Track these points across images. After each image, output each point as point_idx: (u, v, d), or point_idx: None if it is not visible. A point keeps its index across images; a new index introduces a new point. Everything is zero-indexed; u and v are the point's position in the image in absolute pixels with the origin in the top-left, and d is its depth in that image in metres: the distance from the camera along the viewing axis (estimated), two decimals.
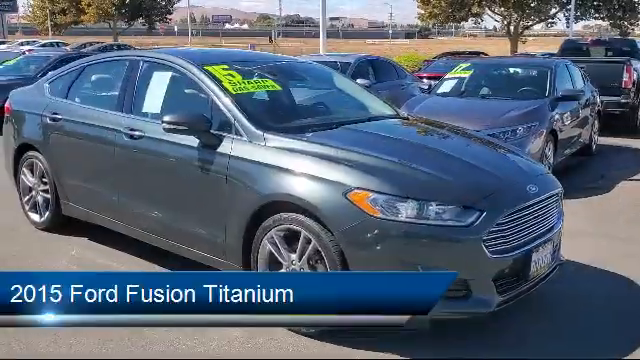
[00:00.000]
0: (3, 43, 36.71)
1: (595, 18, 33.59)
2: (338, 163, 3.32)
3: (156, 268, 4.41)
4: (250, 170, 3.58)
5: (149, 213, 4.20)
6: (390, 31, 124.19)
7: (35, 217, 5.36)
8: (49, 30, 47.26)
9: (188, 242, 4.00)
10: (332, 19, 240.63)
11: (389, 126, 4.27)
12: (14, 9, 47.65)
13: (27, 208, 5.45)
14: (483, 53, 29.37)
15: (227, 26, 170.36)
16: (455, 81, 8.22)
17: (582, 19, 34.34)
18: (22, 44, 39.52)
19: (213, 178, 3.74)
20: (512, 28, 34.87)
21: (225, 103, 3.85)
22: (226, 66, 4.23)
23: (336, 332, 3.27)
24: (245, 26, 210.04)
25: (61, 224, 5.22)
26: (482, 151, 4.07)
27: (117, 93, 4.61)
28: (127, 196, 4.35)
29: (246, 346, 3.38)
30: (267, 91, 4.28)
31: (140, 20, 49.53)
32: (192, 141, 3.82)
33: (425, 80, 13.54)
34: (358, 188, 3.16)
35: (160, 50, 4.79)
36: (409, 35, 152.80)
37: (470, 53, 27.72)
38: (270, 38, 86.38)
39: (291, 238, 3.43)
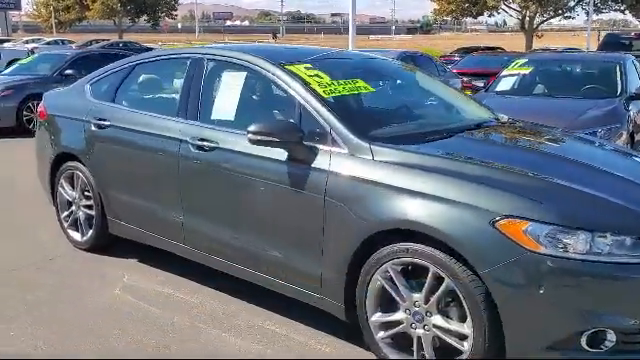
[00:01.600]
0: (8, 41, 36.06)
1: (615, 10, 32.82)
2: (476, 182, 2.70)
3: (224, 297, 3.83)
4: (356, 190, 2.97)
5: (224, 237, 3.60)
6: (393, 27, 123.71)
7: (76, 235, 4.76)
8: (53, 28, 46.58)
9: (272, 272, 3.40)
10: (333, 15, 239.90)
11: (506, 134, 3.66)
12: (18, 7, 46.93)
13: (66, 225, 4.85)
14: (500, 48, 28.73)
15: (228, 23, 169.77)
16: (514, 78, 7.60)
17: (602, 11, 33.58)
18: (27, 42, 38.98)
19: (307, 198, 3.13)
20: (527, 22, 34.14)
21: (317, 109, 3.25)
22: (309, 65, 3.63)
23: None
24: (246, 23, 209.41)
25: (106, 244, 4.64)
26: (622, 161, 3.47)
27: (177, 96, 4.01)
28: (196, 216, 3.75)
29: None
30: (359, 93, 3.66)
31: (144, 17, 48.83)
32: (279, 154, 3.22)
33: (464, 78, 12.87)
34: (510, 216, 2.54)
35: (227, 47, 4.16)
36: (410, 31, 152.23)
37: (487, 48, 27.09)
38: (274, 34, 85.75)
39: (413, 274, 2.83)
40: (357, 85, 3.61)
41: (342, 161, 3.06)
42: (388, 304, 2.93)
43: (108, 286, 4.08)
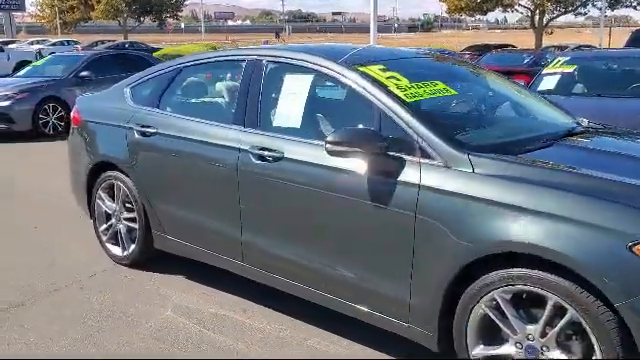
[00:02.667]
0: (12, 42, 35.77)
1: (627, 6, 32.42)
2: (604, 200, 2.38)
3: (291, 321, 3.51)
4: (455, 207, 2.64)
5: (290, 255, 3.28)
6: (396, 25, 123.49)
7: (116, 250, 4.44)
8: (58, 28, 46.27)
9: (350, 297, 3.08)
10: (334, 14, 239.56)
11: (606, 141, 3.34)
12: (22, 8, 46.64)
13: (104, 239, 4.54)
14: (512, 45, 28.39)
15: (229, 23, 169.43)
16: (557, 77, 7.24)
17: (616, 7, 33.12)
18: (32, 43, 38.71)
19: (393, 215, 2.81)
20: (537, 19, 33.74)
21: (401, 115, 2.92)
22: (382, 65, 3.31)
23: None
24: (247, 22, 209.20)
25: (148, 259, 4.33)
26: None
27: (233, 101, 3.70)
28: (258, 232, 3.43)
29: None
30: (442, 97, 3.33)
31: (150, 17, 48.50)
32: (358, 166, 2.90)
33: None
34: None
35: (288, 47, 3.83)
36: (411, 29, 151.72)
37: (499, 46, 26.72)
38: (277, 34, 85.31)
39: (525, 303, 2.51)
40: (438, 88, 3.28)
41: (436, 174, 2.73)
42: (492, 336, 2.62)
43: (158, 307, 3.76)
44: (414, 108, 2.97)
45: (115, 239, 4.48)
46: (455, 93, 3.44)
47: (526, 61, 15.14)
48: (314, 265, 3.18)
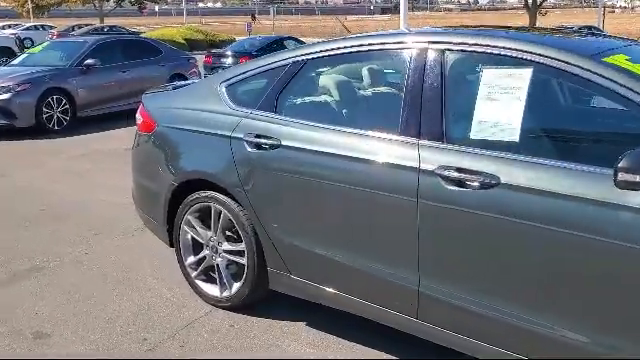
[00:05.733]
0: None
1: None
2: None
3: None
4: None
5: (516, 320, 2.43)
6: (372, 7, 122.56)
7: (211, 289, 3.56)
8: (30, 13, 44.16)
9: None
10: None
11: None
12: None
13: (194, 275, 3.64)
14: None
15: (200, 5, 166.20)
16: None
17: None
18: (4, 28, 36.93)
19: None
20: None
21: None
22: (626, 55, 2.47)
23: None
24: (218, 5, 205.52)
25: (256, 301, 3.46)
26: None
27: (390, 105, 2.83)
28: (448, 281, 2.58)
29: None
30: None
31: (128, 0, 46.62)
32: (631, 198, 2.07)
33: None
34: None
35: (481, 33, 2.90)
36: (384, 11, 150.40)
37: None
38: (253, 16, 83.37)
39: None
40: None
41: None
42: None
43: None
44: None
45: (208, 275, 3.60)
46: None
47: None
48: (533, 326, 2.35)
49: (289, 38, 18.17)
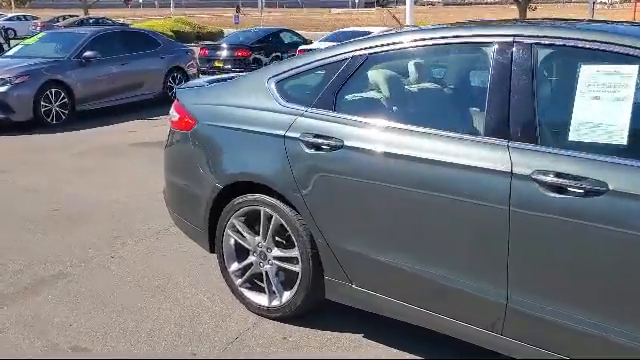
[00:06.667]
0: None
1: None
2: None
3: None
4: None
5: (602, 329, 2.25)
6: (357, 0, 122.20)
7: (258, 299, 3.34)
8: (12, 3, 43.25)
9: None
10: None
11: None
12: None
13: (238, 282, 3.42)
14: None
15: None
16: None
17: None
18: None
19: None
20: None
21: None
22: None
23: None
24: None
25: (308, 311, 3.25)
26: None
27: (470, 102, 2.66)
28: (540, 296, 2.38)
29: None
30: None
31: None
32: None
33: None
34: None
35: (565, 25, 2.69)
36: (368, 5, 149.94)
37: None
38: (238, 7, 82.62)
39: None
40: None
41: None
42: None
43: None
44: None
45: (254, 283, 3.39)
46: None
47: None
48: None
49: (285, 30, 17.89)
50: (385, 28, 17.64)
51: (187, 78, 11.97)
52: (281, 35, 17.05)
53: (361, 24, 36.60)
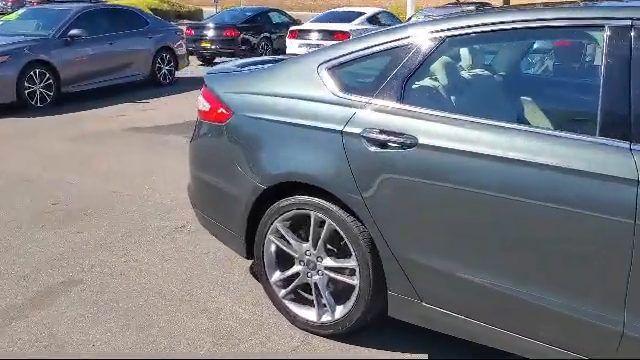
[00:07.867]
0: None
1: None
2: None
3: None
4: None
5: None
6: None
7: (306, 313, 2.97)
8: None
9: None
10: None
11: None
12: None
13: (281, 294, 3.05)
14: (487, 4, 27.26)
15: None
16: None
17: None
18: None
19: None
20: None
21: None
22: None
23: None
24: None
25: (360, 328, 2.89)
26: None
27: (588, 97, 2.28)
28: None
29: None
30: None
31: None
32: None
33: None
34: None
35: None
36: None
37: (476, 3, 25.57)
38: None
39: None
40: None
41: None
42: None
43: None
44: None
45: (298, 295, 3.01)
46: None
47: None
48: None
49: (274, 10, 17.32)
50: (379, 8, 17.18)
51: (176, 59, 11.46)
52: (270, 15, 16.50)
53: (352, 4, 35.87)
